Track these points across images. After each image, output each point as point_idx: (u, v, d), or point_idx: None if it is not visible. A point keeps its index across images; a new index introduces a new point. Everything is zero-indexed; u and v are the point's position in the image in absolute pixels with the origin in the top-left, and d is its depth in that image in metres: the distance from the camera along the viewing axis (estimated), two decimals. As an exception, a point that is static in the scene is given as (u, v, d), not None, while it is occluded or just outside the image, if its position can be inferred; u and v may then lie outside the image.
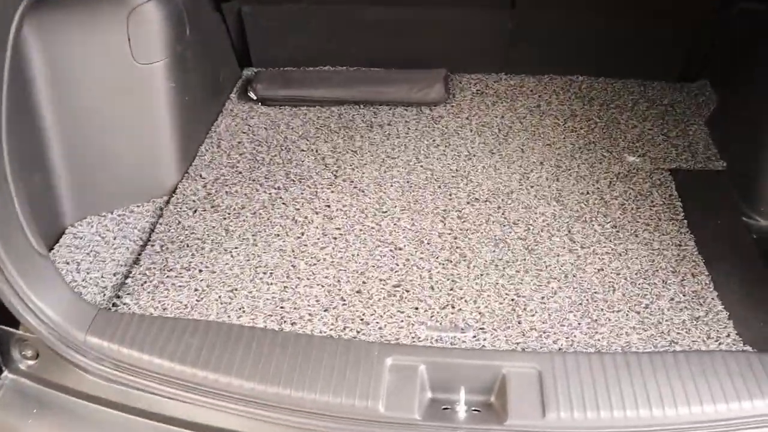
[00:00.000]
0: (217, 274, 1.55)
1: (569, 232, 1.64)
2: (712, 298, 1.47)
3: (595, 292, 1.48)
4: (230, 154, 1.94)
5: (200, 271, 1.56)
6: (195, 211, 1.74)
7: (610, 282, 1.50)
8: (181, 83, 1.80)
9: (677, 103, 2.12)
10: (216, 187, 1.81)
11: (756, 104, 1.82)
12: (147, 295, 1.50)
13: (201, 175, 1.86)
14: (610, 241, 1.61)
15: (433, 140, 1.97)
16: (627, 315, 1.43)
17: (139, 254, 1.62)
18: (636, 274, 1.53)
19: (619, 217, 1.68)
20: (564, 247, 1.59)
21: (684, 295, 1.47)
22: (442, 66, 2.21)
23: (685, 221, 1.67)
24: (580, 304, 1.45)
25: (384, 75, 2.19)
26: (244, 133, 2.03)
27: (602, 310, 1.44)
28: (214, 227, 1.68)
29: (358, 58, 2.28)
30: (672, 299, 1.46)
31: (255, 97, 2.12)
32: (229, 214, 1.72)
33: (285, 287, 1.51)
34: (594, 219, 1.67)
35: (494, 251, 1.59)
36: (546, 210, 1.71)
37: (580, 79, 2.23)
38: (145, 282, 1.54)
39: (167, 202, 1.78)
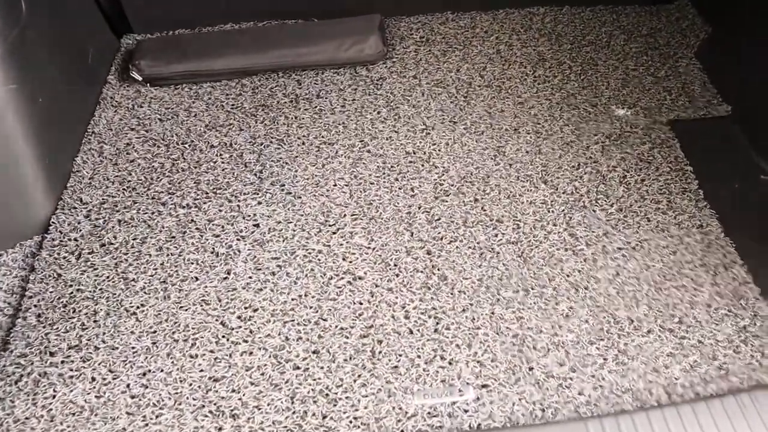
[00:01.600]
0: (120, 350, 1.14)
1: (568, 225, 1.30)
2: (756, 297, 1.18)
3: (616, 309, 1.17)
4: (117, 162, 1.47)
5: (96, 348, 1.14)
6: (79, 256, 1.29)
7: (630, 291, 1.19)
8: (27, 81, 1.30)
9: (658, 32, 1.77)
10: (104, 215, 1.36)
11: (760, 28, 1.49)
12: (25, 398, 1.08)
13: (81, 200, 1.40)
14: (619, 231, 1.29)
15: (378, 112, 1.56)
16: (660, 337, 1.12)
17: (8, 333, 1.19)
18: (659, 275, 1.22)
19: (623, 196, 1.35)
20: (566, 248, 1.26)
21: (721, 297, 1.18)
22: (374, 10, 1.77)
23: (701, 191, 1.36)
24: (601, 329, 1.14)
25: (303, 29, 1.72)
26: (132, 129, 1.55)
27: (629, 334, 1.13)
28: (108, 277, 1.25)
29: (268, 8, 1.80)
30: (708, 305, 1.17)
31: (140, 78, 1.63)
32: (126, 253, 1.29)
33: (215, 359, 1.12)
34: (594, 202, 1.34)
35: (481, 266, 1.24)
36: (534, 196, 1.36)
37: (541, 11, 1.84)
38: (21, 377, 1.11)
39: (39, 246, 1.32)
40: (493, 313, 1.16)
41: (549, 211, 1.32)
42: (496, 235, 1.28)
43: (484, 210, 1.33)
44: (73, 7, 1.57)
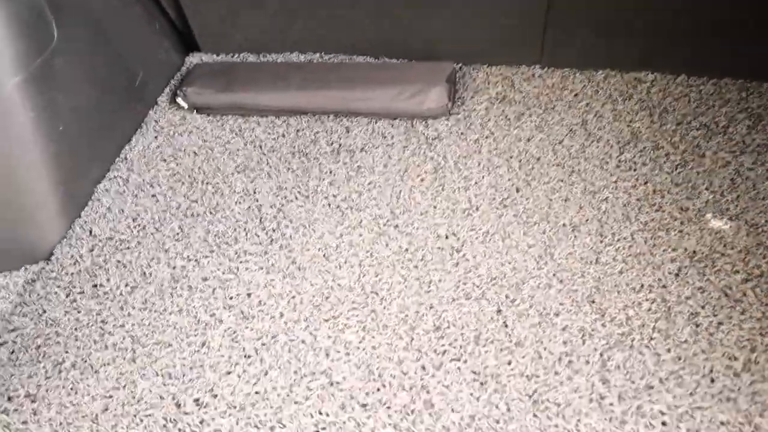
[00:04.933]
0: (69, 411, 1.06)
1: (603, 366, 1.04)
2: None
3: (634, 500, 0.91)
4: (138, 195, 1.41)
5: (49, 405, 1.07)
6: (68, 294, 1.24)
7: (660, 480, 0.92)
8: (49, 109, 1.26)
9: (797, 122, 1.41)
10: (106, 253, 1.30)
11: None
12: (-33, 444, 1.04)
13: (91, 231, 1.35)
14: (668, 388, 1.01)
15: (421, 179, 1.37)
16: None
17: (-20, 364, 1.15)
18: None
19: (687, 341, 1.06)
20: (592, 399, 1.01)
21: None
22: (454, 55, 1.57)
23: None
24: None
25: (365, 70, 1.56)
26: (164, 160, 1.48)
27: None
28: (87, 324, 1.18)
29: (336, 42, 1.66)
30: None
31: (185, 105, 1.56)
32: (111, 300, 1.22)
33: (158, 448, 1.01)
34: (647, 341, 1.07)
35: (479, 399, 1.02)
36: (572, 319, 1.11)
37: (650, 78, 1.54)
38: (-28, 418, 1.07)
39: (38, 276, 1.28)
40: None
41: (584, 343, 1.07)
42: (509, 363, 1.06)
43: (506, 326, 1.10)
44: (124, 32, 1.51)
